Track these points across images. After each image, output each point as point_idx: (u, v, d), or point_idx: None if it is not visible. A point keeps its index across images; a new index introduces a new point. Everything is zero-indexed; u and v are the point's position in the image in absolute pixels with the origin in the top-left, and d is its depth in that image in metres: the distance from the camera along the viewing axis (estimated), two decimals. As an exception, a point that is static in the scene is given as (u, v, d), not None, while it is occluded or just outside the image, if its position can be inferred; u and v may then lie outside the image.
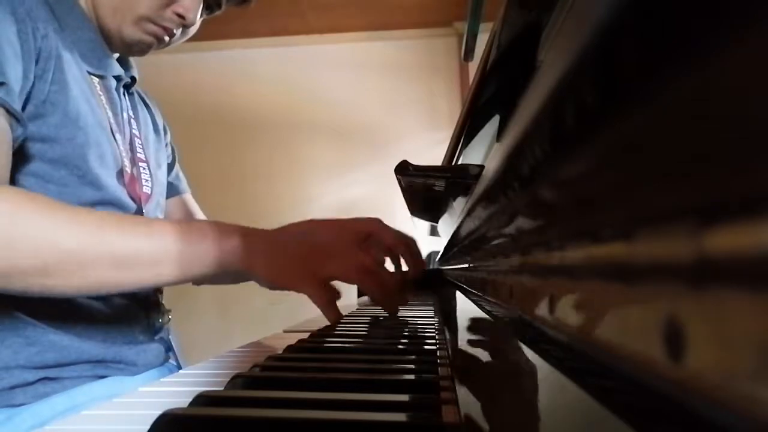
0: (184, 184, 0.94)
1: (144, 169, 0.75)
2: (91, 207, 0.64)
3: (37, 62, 0.58)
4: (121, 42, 0.71)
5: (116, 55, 0.76)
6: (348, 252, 0.60)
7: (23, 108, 0.57)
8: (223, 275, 0.60)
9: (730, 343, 0.08)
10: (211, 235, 0.57)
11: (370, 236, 0.67)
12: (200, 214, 0.94)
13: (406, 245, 0.68)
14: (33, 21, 0.58)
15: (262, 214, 2.71)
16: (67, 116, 0.61)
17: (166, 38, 0.72)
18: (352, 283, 0.63)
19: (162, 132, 0.88)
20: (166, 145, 0.90)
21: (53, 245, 0.50)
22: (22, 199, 0.51)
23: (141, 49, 0.73)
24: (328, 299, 0.60)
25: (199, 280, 0.62)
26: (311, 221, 0.64)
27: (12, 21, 0.56)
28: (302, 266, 0.59)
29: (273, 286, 0.62)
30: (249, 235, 0.59)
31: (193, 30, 0.74)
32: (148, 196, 0.74)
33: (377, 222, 0.66)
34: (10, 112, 0.55)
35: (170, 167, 0.90)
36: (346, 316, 0.70)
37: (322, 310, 0.61)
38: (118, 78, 0.74)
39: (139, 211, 0.72)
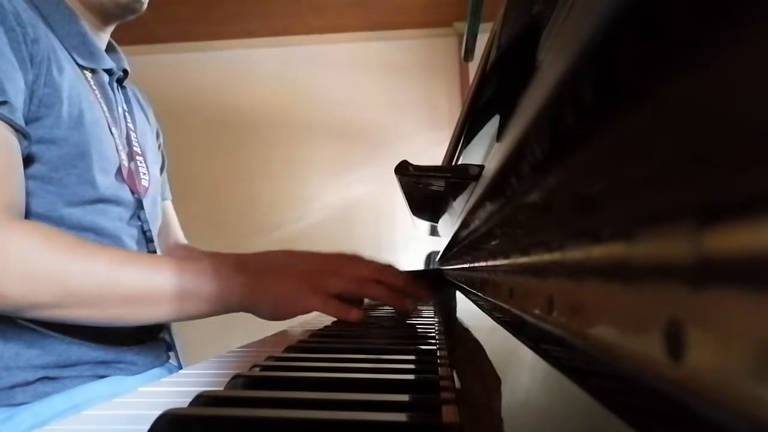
0: (167, 191, 0.94)
1: (141, 162, 0.76)
2: (91, 205, 0.65)
3: (30, 68, 0.58)
4: (118, 7, 0.73)
5: (106, 41, 0.76)
6: (344, 267, 0.63)
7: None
8: (223, 313, 0.62)
9: (730, 343, 0.08)
10: (215, 276, 0.59)
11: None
12: (176, 222, 0.95)
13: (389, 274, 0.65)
14: (22, 27, 0.58)
15: (261, 214, 2.71)
16: (60, 117, 0.61)
17: None
18: (357, 295, 0.64)
19: (155, 133, 0.89)
20: (159, 147, 0.91)
21: (67, 282, 0.53)
22: (39, 237, 0.53)
23: (135, 8, 0.75)
24: (342, 306, 0.62)
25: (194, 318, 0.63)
26: (286, 251, 0.66)
27: (2, 31, 0.56)
28: (306, 287, 0.61)
29: (279, 317, 0.62)
30: (244, 272, 0.61)
31: None
32: (146, 189, 0.75)
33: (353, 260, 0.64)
34: (16, 129, 0.56)
35: (159, 172, 0.91)
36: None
37: (342, 317, 0.62)
38: (110, 72, 0.75)
39: (139, 205, 0.72)
